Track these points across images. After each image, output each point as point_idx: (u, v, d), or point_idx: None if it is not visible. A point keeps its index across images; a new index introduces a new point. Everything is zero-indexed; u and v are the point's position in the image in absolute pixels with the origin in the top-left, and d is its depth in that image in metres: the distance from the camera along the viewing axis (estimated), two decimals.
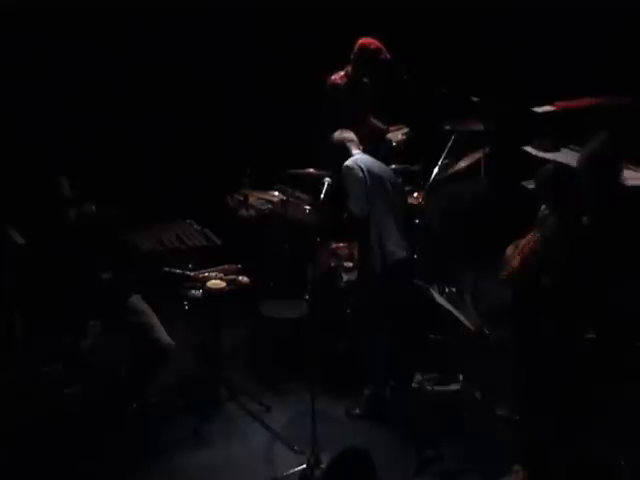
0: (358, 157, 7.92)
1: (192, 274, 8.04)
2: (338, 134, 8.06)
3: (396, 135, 9.42)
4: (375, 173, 7.86)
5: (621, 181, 7.99)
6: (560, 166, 8.35)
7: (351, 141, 8.02)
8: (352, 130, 8.10)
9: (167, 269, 7.97)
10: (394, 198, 8.03)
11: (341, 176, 7.77)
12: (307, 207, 8.61)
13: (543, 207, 7.66)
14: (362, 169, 7.76)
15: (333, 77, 9.20)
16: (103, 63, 10.30)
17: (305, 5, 10.51)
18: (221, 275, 8.09)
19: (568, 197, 7.64)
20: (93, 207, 7.53)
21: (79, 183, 7.55)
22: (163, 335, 7.49)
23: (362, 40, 9.07)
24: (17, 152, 9.47)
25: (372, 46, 9.04)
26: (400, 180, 8.96)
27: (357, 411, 8.01)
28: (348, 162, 7.86)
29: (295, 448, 7.36)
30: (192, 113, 10.54)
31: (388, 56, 9.01)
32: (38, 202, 7.47)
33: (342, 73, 9.23)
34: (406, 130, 9.50)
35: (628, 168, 8.84)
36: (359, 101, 9.14)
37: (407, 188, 9.09)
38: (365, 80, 9.20)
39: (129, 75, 10.46)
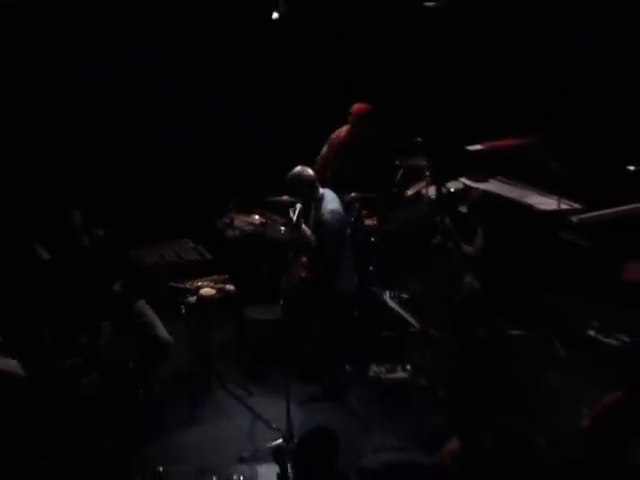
0: (334, 205, 7.88)
1: (189, 285, 8.08)
2: (301, 169, 7.93)
3: None
4: (344, 221, 7.93)
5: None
6: (485, 193, 8.46)
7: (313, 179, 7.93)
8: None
9: (173, 284, 8.02)
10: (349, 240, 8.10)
11: (321, 219, 7.79)
12: (282, 227, 8.63)
13: (437, 238, 7.81)
14: (338, 219, 7.80)
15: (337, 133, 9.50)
16: (97, 102, 10.17)
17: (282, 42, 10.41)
18: (211, 284, 8.13)
19: (491, 218, 7.77)
20: (101, 232, 7.48)
21: (89, 210, 7.52)
22: (163, 333, 7.54)
23: (358, 105, 9.29)
24: (34, 186, 9.40)
25: (366, 110, 9.25)
26: (358, 205, 9.12)
27: (320, 394, 8.02)
28: (330, 210, 7.80)
29: (273, 426, 7.37)
30: (188, 150, 10.42)
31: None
32: (55, 233, 7.45)
33: (344, 130, 9.48)
34: None
35: (539, 194, 8.99)
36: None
37: (364, 212, 9.16)
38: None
39: (128, 115, 10.33)
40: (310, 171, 7.90)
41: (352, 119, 9.41)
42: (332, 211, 7.73)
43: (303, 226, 7.67)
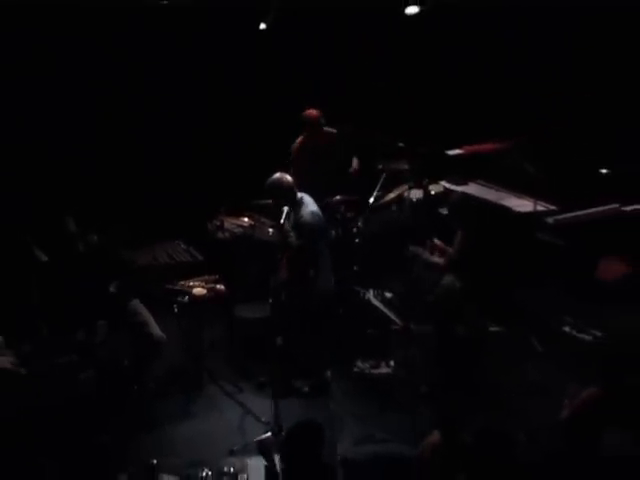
0: (314, 207, 7.81)
1: (181, 285, 8.04)
2: (280, 175, 7.82)
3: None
4: (323, 222, 7.88)
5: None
6: (464, 196, 8.51)
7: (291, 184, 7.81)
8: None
9: (168, 286, 7.99)
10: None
11: (301, 220, 7.71)
12: (270, 230, 8.68)
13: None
14: (318, 220, 7.74)
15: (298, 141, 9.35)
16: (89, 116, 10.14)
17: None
18: (203, 284, 8.06)
19: (469, 220, 7.82)
20: (95, 237, 7.48)
21: (84, 213, 7.56)
22: (156, 330, 7.51)
23: (308, 112, 9.19)
24: (30, 190, 9.19)
25: (315, 115, 9.17)
26: (343, 208, 9.13)
27: (306, 389, 7.98)
28: (310, 212, 7.75)
29: (262, 420, 7.33)
30: (180, 155, 10.39)
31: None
32: (52, 240, 7.46)
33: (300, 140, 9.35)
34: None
35: (516, 197, 9.04)
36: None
37: (349, 214, 9.14)
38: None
39: (123, 119, 10.29)
40: (288, 177, 7.81)
41: (304, 126, 9.32)
42: (312, 212, 7.70)
43: (285, 226, 7.68)
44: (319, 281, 7.76)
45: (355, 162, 9.45)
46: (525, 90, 10.29)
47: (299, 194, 7.77)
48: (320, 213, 7.82)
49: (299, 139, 9.33)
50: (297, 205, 7.71)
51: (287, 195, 7.66)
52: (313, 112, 9.15)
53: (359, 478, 5.39)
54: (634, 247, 8.42)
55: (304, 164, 9.09)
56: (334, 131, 9.23)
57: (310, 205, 7.75)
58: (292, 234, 7.69)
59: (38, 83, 9.70)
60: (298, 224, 7.64)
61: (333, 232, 8.89)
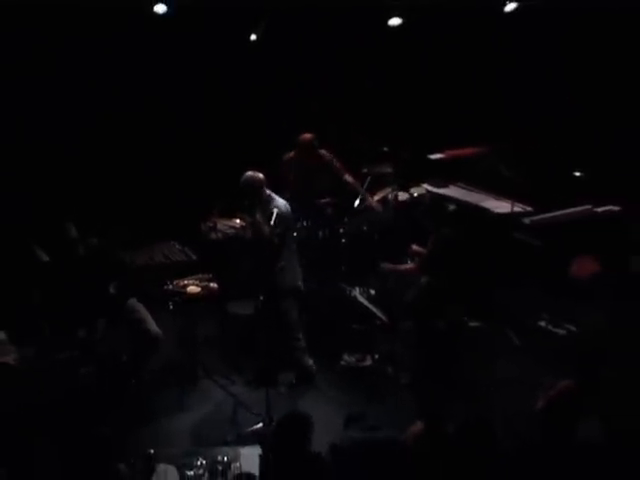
0: (284, 202, 7.77)
1: (176, 281, 8.07)
2: (252, 174, 7.70)
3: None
4: (291, 218, 7.86)
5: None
6: (436, 197, 8.54)
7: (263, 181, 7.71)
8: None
9: (167, 286, 8.02)
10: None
11: (271, 210, 7.60)
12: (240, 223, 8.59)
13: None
14: (286, 214, 7.70)
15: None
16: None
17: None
18: (197, 282, 8.10)
19: (441, 220, 7.88)
20: (95, 240, 7.49)
21: (84, 216, 7.59)
22: (153, 327, 7.53)
23: (303, 136, 9.07)
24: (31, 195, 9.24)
25: (308, 138, 9.07)
26: (330, 210, 9.17)
27: (293, 381, 7.96)
28: (282, 204, 7.71)
29: (254, 411, 7.35)
30: (175, 160, 10.29)
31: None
32: (53, 245, 7.47)
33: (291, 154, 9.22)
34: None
35: (495, 199, 9.10)
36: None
37: (336, 216, 9.19)
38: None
39: (118, 125, 10.15)
40: (260, 175, 7.70)
41: (298, 147, 9.22)
42: (284, 204, 7.67)
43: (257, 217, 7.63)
44: (286, 277, 7.69)
45: (349, 177, 9.31)
46: (503, 97, 10.34)
47: (268, 191, 7.76)
48: (289, 209, 7.80)
49: (291, 153, 9.25)
50: (267, 201, 7.65)
51: (258, 192, 7.61)
52: (307, 136, 9.08)
53: (348, 463, 5.37)
54: (606, 246, 8.51)
55: (291, 177, 9.10)
56: (327, 154, 9.18)
57: (280, 200, 7.72)
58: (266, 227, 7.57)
59: (39, 88, 9.59)
60: (267, 215, 7.51)
61: (320, 233, 8.90)
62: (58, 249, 7.45)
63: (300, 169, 9.12)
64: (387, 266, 8.57)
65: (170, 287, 8.06)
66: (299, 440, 5.20)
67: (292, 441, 5.20)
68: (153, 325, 7.58)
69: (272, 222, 7.38)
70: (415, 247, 8.44)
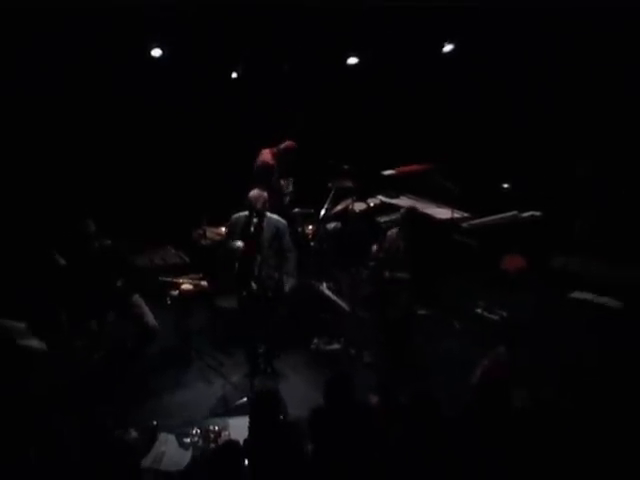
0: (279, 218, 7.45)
1: (172, 280, 8.12)
2: (257, 193, 7.30)
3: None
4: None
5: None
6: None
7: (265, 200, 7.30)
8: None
9: (162, 279, 8.05)
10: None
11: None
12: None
13: None
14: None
15: (263, 160, 8.99)
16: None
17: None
18: (189, 281, 8.18)
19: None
20: (109, 241, 7.46)
21: (99, 222, 7.45)
22: (151, 319, 7.51)
23: (288, 143, 9.00)
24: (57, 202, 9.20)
25: (290, 146, 8.99)
26: (300, 218, 9.07)
27: (268, 370, 7.72)
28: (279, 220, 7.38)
29: (239, 388, 7.42)
30: (172, 175, 10.11)
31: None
32: (74, 239, 7.41)
33: (269, 156, 9.00)
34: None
35: (437, 206, 9.11)
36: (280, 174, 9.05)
37: (305, 223, 9.13)
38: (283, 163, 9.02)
39: (118, 134, 9.92)
40: (265, 193, 7.33)
41: (279, 150, 9.06)
42: (278, 218, 7.41)
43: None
44: (263, 269, 7.25)
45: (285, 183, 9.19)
46: (445, 121, 10.40)
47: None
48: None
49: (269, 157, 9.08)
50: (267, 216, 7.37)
51: (264, 207, 7.30)
52: (290, 143, 9.03)
53: (325, 428, 5.33)
54: (530, 245, 8.59)
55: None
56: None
57: (274, 215, 7.48)
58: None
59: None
60: (275, 224, 7.31)
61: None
62: (76, 241, 7.39)
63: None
64: (316, 285, 8.64)
65: (169, 282, 8.13)
66: (272, 409, 5.20)
67: (266, 410, 5.19)
68: (151, 318, 7.54)
69: (252, 229, 7.18)
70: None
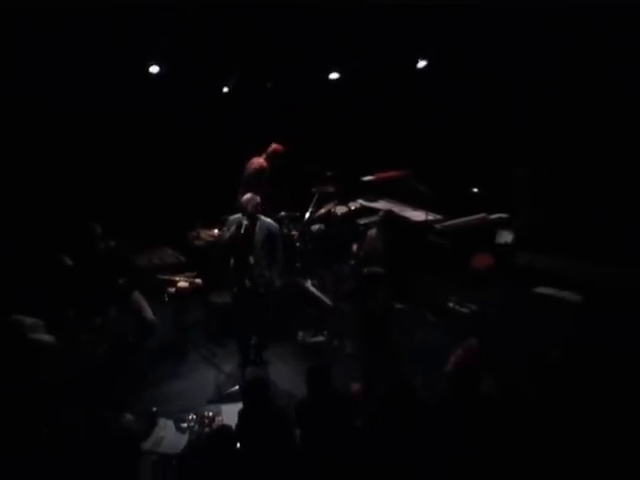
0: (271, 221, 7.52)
1: (169, 278, 8.18)
2: (250, 197, 7.34)
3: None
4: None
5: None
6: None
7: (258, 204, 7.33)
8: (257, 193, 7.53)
9: (160, 277, 8.09)
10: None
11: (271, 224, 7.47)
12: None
13: None
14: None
15: (258, 163, 8.95)
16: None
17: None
18: (185, 279, 8.20)
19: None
20: (113, 242, 7.50)
21: (102, 225, 7.49)
22: (149, 315, 7.58)
23: (275, 145, 8.98)
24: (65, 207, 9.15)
25: (281, 149, 8.99)
26: (287, 221, 9.11)
27: (257, 360, 7.80)
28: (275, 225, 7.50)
29: (231, 377, 7.55)
30: (168, 179, 10.11)
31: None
32: (80, 240, 7.47)
33: (261, 160, 8.95)
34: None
35: (413, 209, 9.26)
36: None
37: (291, 226, 9.18)
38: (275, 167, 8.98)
39: (118, 141, 9.88)
40: (258, 198, 7.37)
41: (268, 154, 9.00)
42: (271, 222, 7.55)
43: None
44: (255, 268, 7.36)
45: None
46: (422, 131, 10.42)
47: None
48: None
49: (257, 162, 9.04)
50: (261, 219, 7.44)
51: (257, 211, 7.40)
52: (277, 146, 9.00)
53: (308, 413, 5.46)
54: (496, 244, 8.82)
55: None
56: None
57: (267, 218, 7.55)
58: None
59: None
60: (268, 227, 7.39)
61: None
62: (82, 242, 7.45)
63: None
64: (301, 282, 8.73)
65: (166, 280, 8.17)
66: (262, 396, 5.37)
67: (256, 397, 5.38)
68: (150, 313, 7.60)
69: (242, 230, 7.24)
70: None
